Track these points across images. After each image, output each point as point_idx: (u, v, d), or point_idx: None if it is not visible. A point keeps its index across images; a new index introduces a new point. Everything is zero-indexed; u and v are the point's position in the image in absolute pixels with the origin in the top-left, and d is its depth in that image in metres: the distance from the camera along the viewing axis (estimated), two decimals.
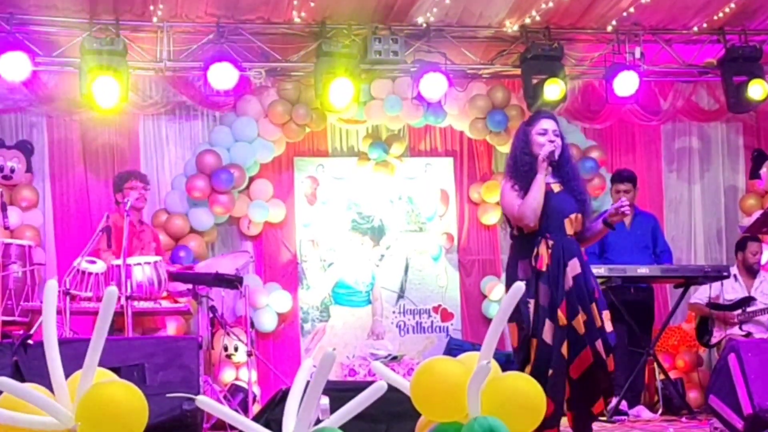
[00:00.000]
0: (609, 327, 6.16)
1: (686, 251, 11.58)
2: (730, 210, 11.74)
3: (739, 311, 9.81)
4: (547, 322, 6.05)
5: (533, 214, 6.15)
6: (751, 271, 10.06)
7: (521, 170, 6.30)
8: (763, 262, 10.19)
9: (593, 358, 6.04)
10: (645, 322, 9.28)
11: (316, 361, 3.67)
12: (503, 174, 6.75)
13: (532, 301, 6.10)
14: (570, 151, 6.52)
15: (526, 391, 4.15)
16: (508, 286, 6.40)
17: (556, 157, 6.23)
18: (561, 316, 6.03)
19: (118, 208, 8.84)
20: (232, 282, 8.60)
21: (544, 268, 6.10)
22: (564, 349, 6.00)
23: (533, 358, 6.06)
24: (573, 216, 6.27)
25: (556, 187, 6.30)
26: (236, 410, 7.18)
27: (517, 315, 6.03)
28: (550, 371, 5.97)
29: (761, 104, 10.71)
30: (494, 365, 4.06)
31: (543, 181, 6.19)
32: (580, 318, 6.05)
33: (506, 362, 9.67)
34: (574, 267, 6.13)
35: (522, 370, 5.99)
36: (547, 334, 6.04)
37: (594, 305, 6.12)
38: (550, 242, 6.16)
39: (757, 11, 10.33)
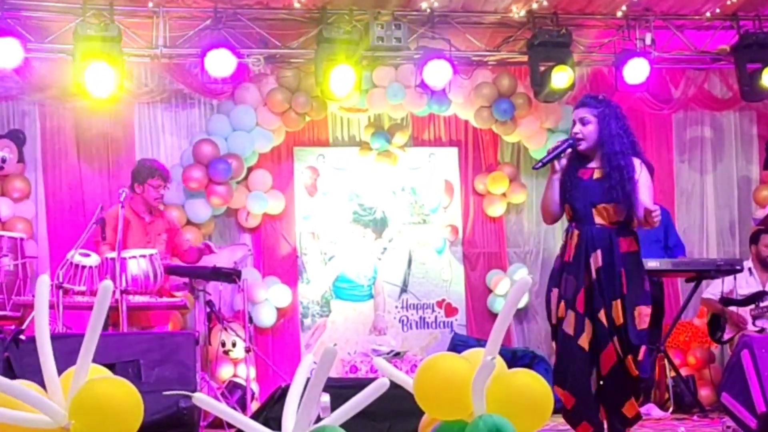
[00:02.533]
0: (640, 324, 6.04)
1: (698, 244, 11.53)
2: (743, 201, 11.69)
3: (752, 306, 9.72)
4: (569, 313, 6.06)
5: (547, 213, 6.44)
6: (765, 265, 10.00)
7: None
8: None
9: (615, 357, 5.99)
10: (655, 317, 9.05)
11: (317, 357, 3.69)
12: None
13: (555, 290, 6.19)
14: (614, 132, 6.25)
15: (532, 388, 4.13)
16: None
17: (578, 146, 6.23)
18: (579, 307, 6.02)
19: (133, 196, 8.81)
20: (230, 276, 8.62)
21: (569, 260, 6.14)
22: (583, 341, 5.97)
23: (557, 348, 6.16)
24: (602, 206, 6.16)
25: (597, 173, 6.22)
26: (234, 408, 7.13)
27: (548, 306, 6.26)
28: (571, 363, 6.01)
29: None
30: (500, 362, 4.06)
31: (553, 180, 6.28)
32: (603, 312, 6.00)
33: (512, 359, 9.66)
34: (596, 259, 6.07)
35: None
36: (569, 325, 6.04)
37: (618, 301, 6.02)
38: (576, 232, 6.20)
39: None
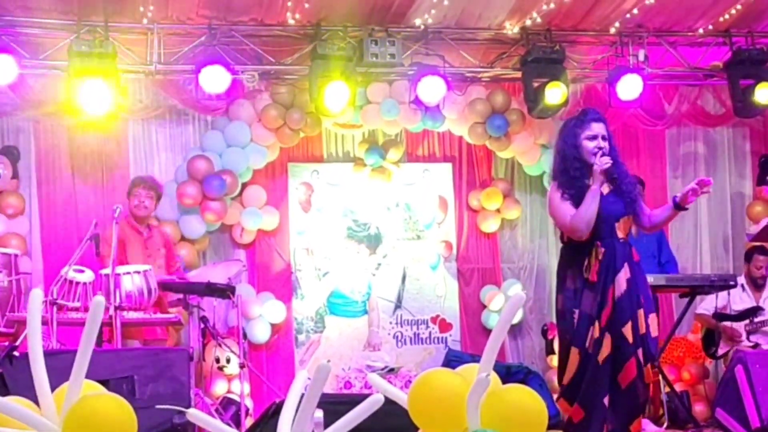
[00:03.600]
0: (654, 331, 6.14)
1: (692, 259, 11.53)
2: (736, 217, 11.68)
3: (747, 321, 9.72)
4: (591, 330, 6.07)
5: (587, 227, 6.15)
6: (756, 285, 9.99)
7: (571, 176, 6.25)
8: None
9: (636, 370, 6.01)
10: None
11: (311, 373, 3.64)
12: (551, 178, 6.67)
13: (577, 311, 6.14)
14: (617, 150, 6.39)
15: (527, 403, 4.06)
16: (559, 296, 6.41)
17: (610, 166, 6.18)
18: (602, 321, 6.03)
19: (123, 214, 8.76)
20: (224, 291, 8.57)
21: (595, 278, 6.10)
22: (602, 356, 5.99)
23: (575, 367, 6.11)
24: (623, 219, 6.24)
25: (605, 189, 6.25)
26: (228, 424, 7.07)
27: (562, 322, 6.26)
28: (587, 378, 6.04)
29: None
30: (494, 377, 4.00)
31: (598, 192, 6.15)
32: (629, 326, 6.02)
33: (506, 374, 9.60)
34: (625, 272, 6.10)
35: (559, 378, 6.25)
36: (590, 343, 6.06)
37: (640, 311, 6.09)
38: (601, 250, 6.16)
39: (764, 13, 10.25)
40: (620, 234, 6.19)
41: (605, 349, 6.01)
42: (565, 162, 6.27)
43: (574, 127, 6.35)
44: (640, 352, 5.99)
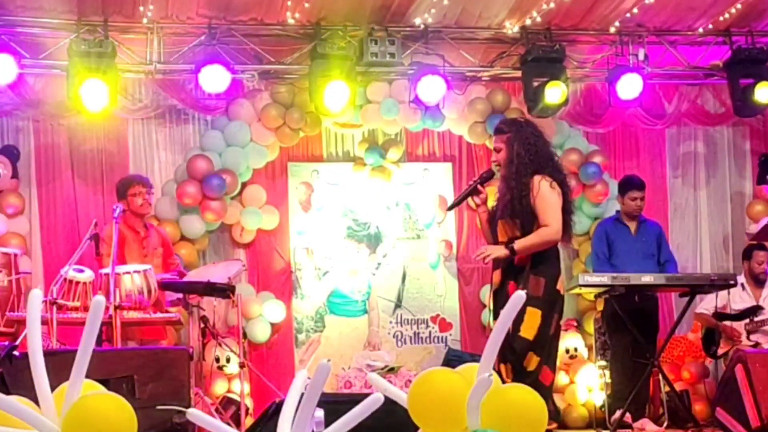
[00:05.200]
0: (523, 331, 6.41)
1: (692, 259, 11.50)
2: (736, 216, 11.65)
3: (747, 321, 9.73)
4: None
5: (484, 234, 7.01)
6: (757, 281, 10.01)
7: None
8: None
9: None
10: (649, 332, 9.16)
11: (311, 372, 3.57)
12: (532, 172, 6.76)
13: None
14: (517, 152, 6.67)
15: (528, 403, 3.97)
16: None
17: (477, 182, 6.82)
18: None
19: (126, 213, 8.79)
20: (224, 291, 8.51)
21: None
22: None
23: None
24: (501, 222, 6.66)
25: (498, 193, 6.78)
26: (228, 423, 7.04)
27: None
28: None
29: None
30: (494, 377, 3.92)
31: (482, 213, 6.99)
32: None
33: None
34: (497, 274, 6.62)
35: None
36: None
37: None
38: None
39: (764, 12, 10.26)
40: (501, 237, 6.59)
41: None
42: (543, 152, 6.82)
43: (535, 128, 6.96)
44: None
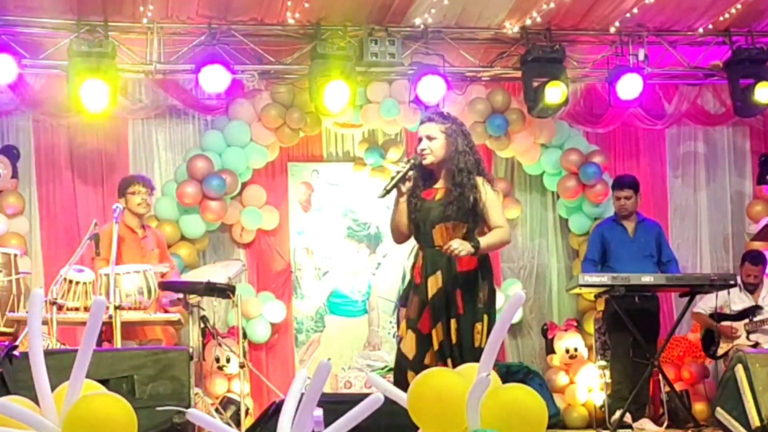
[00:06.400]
0: (477, 341, 6.03)
1: (692, 259, 11.47)
2: (736, 216, 11.63)
3: (747, 320, 9.74)
4: (409, 332, 6.10)
5: (394, 231, 6.39)
6: (749, 289, 10.03)
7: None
8: None
9: None
10: (649, 332, 9.15)
11: (311, 372, 3.58)
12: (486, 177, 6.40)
13: (403, 310, 6.26)
14: (460, 149, 6.24)
15: (527, 403, 3.99)
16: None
17: (402, 172, 6.16)
18: (423, 326, 6.05)
19: (125, 213, 8.72)
20: (224, 291, 8.51)
21: (419, 281, 6.18)
22: (428, 360, 5.98)
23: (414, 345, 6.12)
24: (441, 226, 6.15)
25: (440, 193, 6.21)
26: (228, 423, 7.05)
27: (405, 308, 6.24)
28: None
29: None
30: (494, 376, 3.96)
31: (397, 200, 6.21)
32: (440, 330, 6.04)
33: (506, 373, 9.60)
34: (437, 280, 6.10)
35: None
36: (407, 345, 6.09)
37: (454, 321, 6.05)
38: (421, 253, 6.23)
39: (764, 12, 10.24)
40: (438, 241, 6.12)
41: (430, 354, 6.05)
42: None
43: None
44: (449, 362, 5.89)
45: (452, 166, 6.15)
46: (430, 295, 6.06)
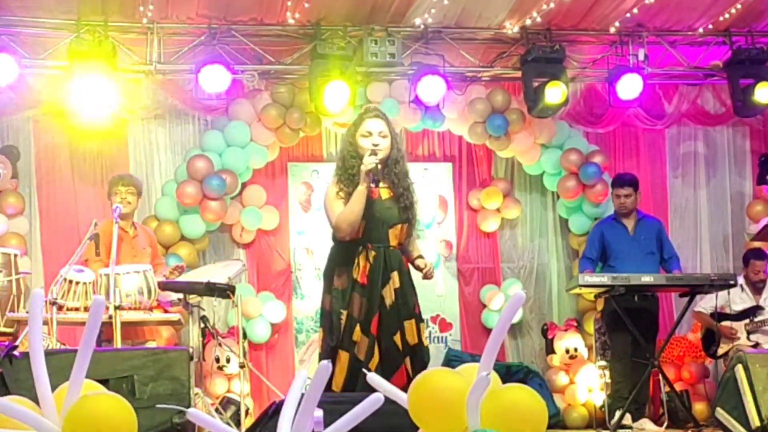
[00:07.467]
0: (426, 342, 6.13)
1: (692, 259, 11.47)
2: (736, 216, 11.64)
3: (747, 321, 9.72)
4: (363, 337, 6.00)
5: (350, 227, 6.09)
6: (755, 288, 10.00)
7: (349, 174, 6.15)
8: None
9: (406, 379, 5.84)
10: (649, 332, 9.16)
11: (311, 372, 3.55)
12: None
13: (344, 313, 6.05)
14: (401, 154, 6.29)
15: (527, 403, 3.97)
16: (326, 296, 6.30)
17: (378, 164, 6.03)
18: (372, 328, 5.98)
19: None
20: (224, 291, 8.47)
21: (365, 281, 6.04)
22: (372, 364, 5.93)
23: (346, 371, 5.97)
24: (398, 226, 6.16)
25: (385, 193, 6.17)
26: (228, 423, 7.04)
27: (328, 323, 6.10)
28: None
29: None
30: (494, 376, 3.94)
31: (364, 193, 6.02)
32: (399, 335, 6.00)
33: (506, 374, 9.62)
34: (394, 282, 6.05)
35: (328, 384, 5.93)
36: (361, 350, 5.99)
37: (411, 321, 6.05)
38: (372, 253, 6.09)
39: (764, 12, 10.26)
40: (393, 241, 6.12)
41: (376, 357, 5.97)
42: (344, 160, 6.21)
43: (352, 125, 6.31)
44: (408, 360, 5.94)
45: (399, 170, 6.16)
46: (388, 299, 6.02)
